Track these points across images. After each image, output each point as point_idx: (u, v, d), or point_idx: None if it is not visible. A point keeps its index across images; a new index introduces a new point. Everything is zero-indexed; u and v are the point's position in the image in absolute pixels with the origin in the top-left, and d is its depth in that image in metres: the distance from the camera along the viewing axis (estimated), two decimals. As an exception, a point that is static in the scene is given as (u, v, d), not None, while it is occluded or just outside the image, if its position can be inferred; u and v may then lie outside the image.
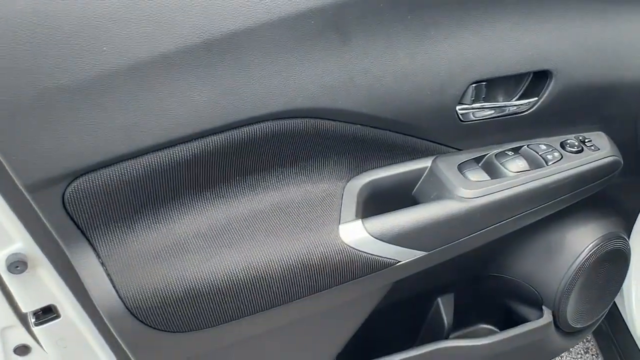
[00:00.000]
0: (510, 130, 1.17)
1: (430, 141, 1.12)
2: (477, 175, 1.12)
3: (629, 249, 1.50)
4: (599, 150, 1.19)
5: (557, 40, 1.10)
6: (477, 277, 1.47)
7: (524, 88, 1.15)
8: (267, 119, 0.93)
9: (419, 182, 1.15)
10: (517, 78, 1.16)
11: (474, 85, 1.07)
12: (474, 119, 1.12)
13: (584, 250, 1.41)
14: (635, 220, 1.54)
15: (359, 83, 0.96)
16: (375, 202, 1.11)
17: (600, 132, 1.24)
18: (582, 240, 1.41)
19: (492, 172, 1.14)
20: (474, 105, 1.09)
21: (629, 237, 1.54)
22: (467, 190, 1.08)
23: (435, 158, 1.14)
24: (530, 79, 1.15)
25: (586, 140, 1.21)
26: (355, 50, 0.94)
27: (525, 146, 1.19)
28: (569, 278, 1.38)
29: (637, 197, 1.47)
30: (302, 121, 0.96)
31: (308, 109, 0.94)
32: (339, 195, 1.06)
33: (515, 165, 1.14)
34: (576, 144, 1.20)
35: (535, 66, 1.09)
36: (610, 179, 1.23)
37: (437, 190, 1.12)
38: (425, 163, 1.14)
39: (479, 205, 1.08)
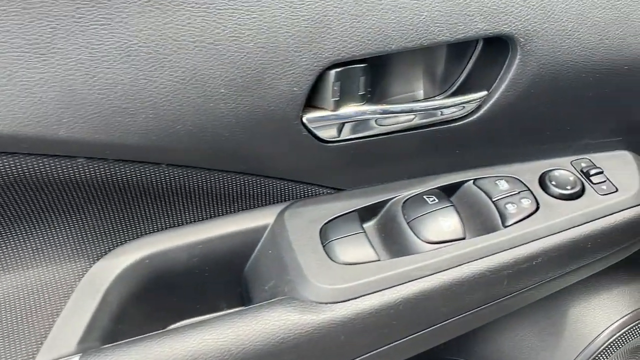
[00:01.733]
0: (436, 154, 0.61)
1: (269, 177, 0.58)
2: (356, 248, 0.57)
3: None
4: (615, 192, 0.61)
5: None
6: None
7: (461, 78, 0.58)
8: None
9: (253, 254, 0.61)
10: (441, 57, 0.59)
11: (337, 71, 0.52)
12: (350, 137, 0.56)
13: (603, 332, 0.85)
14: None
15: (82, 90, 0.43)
16: (158, 300, 0.59)
17: (624, 152, 0.65)
18: (602, 318, 0.85)
19: (395, 238, 0.59)
20: (343, 112, 0.54)
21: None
22: (329, 285, 0.54)
23: (283, 210, 0.60)
24: (473, 58, 0.58)
25: (592, 171, 0.63)
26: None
27: (471, 182, 0.63)
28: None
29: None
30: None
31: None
32: (64, 293, 0.54)
33: (440, 225, 0.58)
34: (570, 179, 0.62)
35: (476, 29, 0.52)
36: None
37: (275, 276, 0.58)
38: (265, 219, 0.60)
39: (350, 318, 0.53)
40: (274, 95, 0.50)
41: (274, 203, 0.60)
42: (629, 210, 0.60)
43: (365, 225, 0.61)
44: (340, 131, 0.56)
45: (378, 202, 0.61)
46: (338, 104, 0.53)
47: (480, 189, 0.61)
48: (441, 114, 0.58)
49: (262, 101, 0.50)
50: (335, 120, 0.54)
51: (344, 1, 0.49)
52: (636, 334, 0.87)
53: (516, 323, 0.87)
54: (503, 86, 0.56)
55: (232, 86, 0.48)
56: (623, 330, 0.85)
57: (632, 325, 0.85)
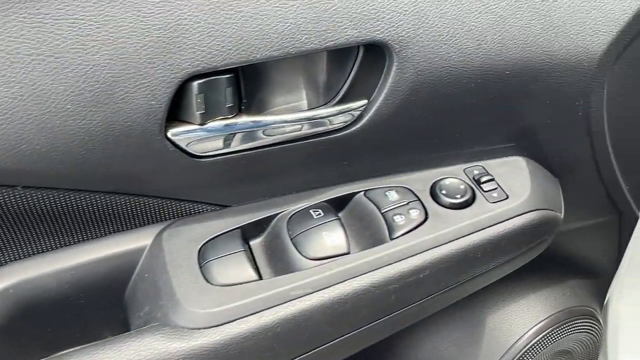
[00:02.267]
0: (323, 165, 0.59)
1: (143, 196, 0.55)
2: (235, 268, 0.54)
3: (601, 328, 0.92)
4: (506, 199, 0.60)
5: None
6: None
7: (345, 86, 0.56)
8: None
9: (131, 279, 0.58)
10: (322, 65, 0.57)
11: (199, 82, 0.49)
12: (224, 151, 0.54)
13: (521, 339, 0.83)
14: (612, 279, 0.95)
15: None
16: (29, 332, 0.55)
17: (517, 157, 0.64)
18: (518, 325, 0.84)
19: (279, 256, 0.56)
20: (211, 126, 0.51)
21: (601, 309, 0.95)
22: (202, 309, 0.51)
23: (162, 230, 0.57)
24: (355, 66, 0.56)
25: (483, 178, 0.62)
26: None
27: (362, 193, 0.61)
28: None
29: (611, 247, 0.88)
30: None
31: None
32: None
33: (324, 241, 0.56)
34: (461, 187, 0.61)
35: (346, 36, 0.50)
36: (541, 243, 0.65)
37: (149, 302, 0.55)
38: (142, 240, 0.57)
39: (224, 343, 0.50)
40: (129, 109, 0.47)
41: (153, 223, 0.57)
42: (518, 217, 0.59)
43: (252, 243, 0.58)
44: (222, 144, 0.53)
45: (264, 218, 0.58)
46: (205, 117, 0.51)
47: (370, 200, 0.59)
48: (325, 124, 0.56)
49: (116, 116, 0.46)
50: (202, 134, 0.51)
51: (200, 9, 0.46)
52: (554, 339, 0.86)
53: (434, 333, 0.85)
54: (383, 94, 0.54)
55: (80, 101, 0.45)
56: (541, 336, 0.84)
57: (550, 329, 0.85)
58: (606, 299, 0.99)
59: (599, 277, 0.90)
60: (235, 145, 0.53)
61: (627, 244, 0.89)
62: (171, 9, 0.46)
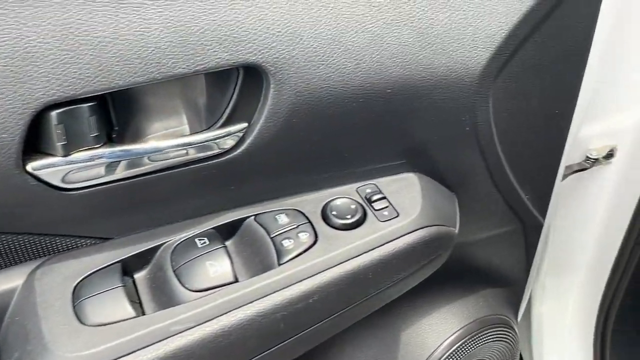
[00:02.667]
0: (209, 191, 0.57)
1: (10, 233, 0.52)
2: (112, 305, 0.51)
3: (516, 335, 0.93)
4: (396, 217, 0.60)
5: (273, 11, 0.50)
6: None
7: (227, 110, 0.55)
8: None
9: (4, 321, 0.54)
10: (202, 89, 0.55)
11: (58, 112, 0.47)
12: (93, 182, 0.51)
13: (435, 351, 0.83)
14: (524, 286, 0.96)
15: None
16: None
17: (409, 174, 0.64)
18: (432, 337, 0.84)
19: (162, 289, 0.54)
20: (74, 157, 0.48)
21: (516, 317, 0.96)
22: (72, 352, 0.47)
23: (35, 268, 0.53)
24: (236, 89, 0.54)
25: (375, 197, 0.61)
26: None
27: (253, 218, 0.59)
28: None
29: (520, 255, 0.89)
30: None
31: None
32: None
33: (207, 270, 0.53)
34: (352, 207, 0.60)
35: (216, 59, 0.48)
36: (436, 259, 0.65)
37: (19, 347, 0.51)
38: (13, 280, 0.53)
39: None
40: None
41: (25, 261, 0.54)
42: (409, 235, 0.58)
43: (136, 276, 0.55)
44: (92, 175, 0.50)
45: (148, 250, 0.55)
46: (67, 148, 0.48)
47: (260, 225, 0.57)
48: (208, 149, 0.54)
49: None
50: (66, 166, 0.48)
51: (51, 36, 0.44)
52: (469, 349, 0.87)
53: (350, 352, 0.84)
54: (263, 117, 0.53)
55: None
56: (455, 347, 0.84)
57: (464, 340, 0.85)
58: (522, 305, 1.01)
59: (511, 285, 0.92)
60: (108, 175, 0.51)
61: (535, 251, 0.91)
62: (17, 36, 0.43)
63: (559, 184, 0.86)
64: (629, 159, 0.95)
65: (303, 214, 0.59)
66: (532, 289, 1.15)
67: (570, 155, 0.92)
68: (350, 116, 0.56)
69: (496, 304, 0.89)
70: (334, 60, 0.53)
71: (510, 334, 0.91)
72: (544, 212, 0.84)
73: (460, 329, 0.85)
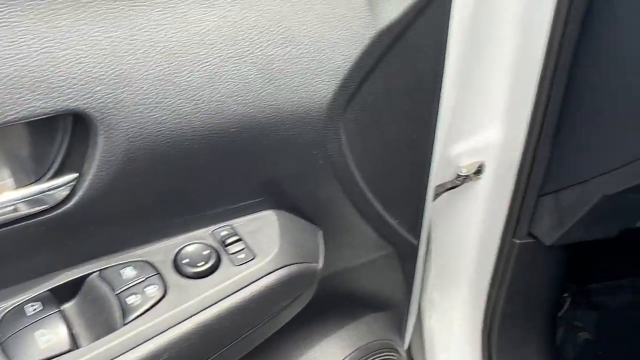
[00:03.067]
0: (42, 249, 0.52)
1: None
2: None
3: (401, 357, 0.93)
4: (253, 260, 0.57)
5: (93, 49, 0.47)
6: None
7: (56, 161, 0.50)
8: None
9: None
10: (21, 140, 0.51)
11: None
12: None
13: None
14: (409, 307, 0.97)
15: None
16: None
17: (268, 212, 0.62)
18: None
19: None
20: None
21: (403, 337, 0.97)
22: None
23: None
24: (66, 138, 0.50)
25: (230, 239, 0.59)
26: None
27: (97, 274, 0.55)
28: None
29: (399, 277, 0.89)
30: None
31: None
32: None
33: (38, 341, 0.48)
34: (204, 253, 0.57)
35: (30, 108, 0.43)
36: (300, 296, 0.63)
37: None
38: None
39: None
40: None
41: None
42: (266, 277, 0.56)
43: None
44: None
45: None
46: None
47: (105, 281, 0.53)
48: (38, 203, 0.49)
49: None
50: None
51: None
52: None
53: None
54: (94, 166, 0.49)
55: None
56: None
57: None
58: (408, 326, 1.02)
59: (393, 308, 0.92)
60: None
61: (414, 272, 0.92)
62: None
63: (430, 204, 0.88)
64: (496, 172, 0.99)
65: (152, 264, 0.55)
66: (421, 305, 1.16)
67: (442, 174, 0.94)
68: (193, 158, 0.53)
69: (379, 329, 0.88)
70: (168, 101, 0.50)
71: (395, 357, 0.91)
72: (416, 233, 0.85)
73: (345, 358, 0.84)
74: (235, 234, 0.59)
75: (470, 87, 0.87)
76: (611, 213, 0.93)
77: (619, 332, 1.42)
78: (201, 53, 0.52)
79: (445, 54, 0.70)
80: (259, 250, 0.58)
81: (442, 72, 0.71)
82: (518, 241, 1.01)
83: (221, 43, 0.52)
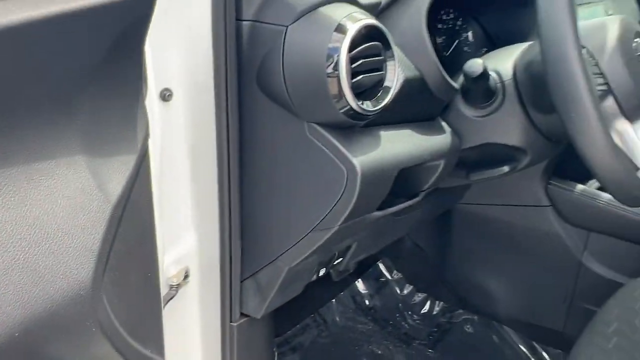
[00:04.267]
0: None
1: None
2: None
3: None
4: None
5: None
6: None
7: None
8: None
9: None
10: None
11: None
12: None
13: None
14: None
15: None
16: None
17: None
18: None
19: None
20: None
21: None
22: None
23: None
24: None
25: None
26: None
27: None
28: None
29: None
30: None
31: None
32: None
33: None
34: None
35: None
36: None
37: None
38: None
39: None
40: None
41: None
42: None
43: None
44: None
45: None
46: None
47: None
48: None
49: None
50: None
51: None
52: None
53: None
54: None
55: None
56: None
57: None
58: None
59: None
60: None
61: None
62: None
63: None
64: (201, 272, 1.13)
65: None
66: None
67: (164, 289, 1.02)
68: None
69: None
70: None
71: None
72: (159, 348, 0.91)
73: None
74: None
75: (167, 201, 0.99)
76: (296, 278, 1.17)
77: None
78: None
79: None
80: None
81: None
82: (235, 324, 1.16)
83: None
